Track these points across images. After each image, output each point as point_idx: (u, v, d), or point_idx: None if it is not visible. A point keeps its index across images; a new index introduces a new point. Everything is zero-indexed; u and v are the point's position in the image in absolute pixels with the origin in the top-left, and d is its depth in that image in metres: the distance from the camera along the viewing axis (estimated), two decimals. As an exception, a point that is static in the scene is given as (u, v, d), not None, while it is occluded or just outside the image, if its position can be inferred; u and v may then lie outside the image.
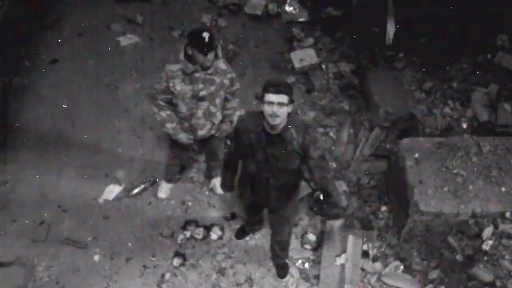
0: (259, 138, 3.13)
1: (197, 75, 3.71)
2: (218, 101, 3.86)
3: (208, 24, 6.05)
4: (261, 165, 3.24)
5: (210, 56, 3.60)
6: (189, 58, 3.66)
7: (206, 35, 3.52)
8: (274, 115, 2.95)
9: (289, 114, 3.06)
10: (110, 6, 6.20)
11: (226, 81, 3.81)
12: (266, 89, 2.97)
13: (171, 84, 3.75)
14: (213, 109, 3.88)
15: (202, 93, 3.77)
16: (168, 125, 3.95)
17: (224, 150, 4.37)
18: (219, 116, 3.98)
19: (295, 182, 3.43)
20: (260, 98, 3.01)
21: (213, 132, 4.06)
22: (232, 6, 6.24)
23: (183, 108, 3.86)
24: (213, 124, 3.98)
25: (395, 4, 4.98)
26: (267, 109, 2.96)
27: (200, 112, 3.87)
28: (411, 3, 5.25)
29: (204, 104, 3.84)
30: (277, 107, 2.93)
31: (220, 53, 3.78)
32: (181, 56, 3.69)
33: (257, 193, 3.51)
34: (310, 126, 3.28)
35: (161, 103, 3.88)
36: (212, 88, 3.77)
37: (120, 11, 6.14)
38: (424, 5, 5.41)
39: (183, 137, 4.02)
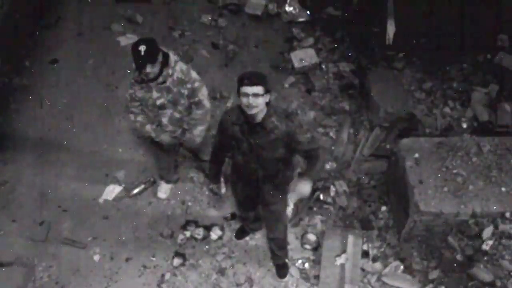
0: (242, 129, 3.24)
1: (150, 83, 3.60)
2: (181, 108, 3.77)
3: (208, 24, 6.05)
4: (247, 156, 3.33)
5: (150, 68, 3.44)
6: None
7: (142, 48, 3.35)
8: (250, 106, 3.05)
9: (268, 104, 3.15)
10: (110, 6, 6.20)
11: (184, 91, 3.67)
12: (240, 82, 3.08)
13: (131, 91, 3.70)
14: (177, 115, 3.80)
15: (159, 101, 3.68)
16: (148, 127, 3.86)
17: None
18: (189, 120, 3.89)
19: (283, 173, 3.47)
20: (237, 92, 3.11)
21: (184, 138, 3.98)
22: (232, 6, 6.23)
23: (150, 115, 3.82)
24: (184, 129, 3.91)
25: (395, 4, 4.97)
26: (244, 101, 3.06)
27: (165, 120, 3.81)
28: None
29: (167, 111, 3.76)
30: (253, 98, 3.03)
31: (172, 62, 3.59)
32: (133, 64, 3.54)
33: (247, 186, 3.58)
34: (292, 113, 3.37)
35: (134, 109, 3.80)
36: (170, 96, 3.66)
37: (120, 11, 6.14)
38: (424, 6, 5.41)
39: (165, 138, 3.92)
